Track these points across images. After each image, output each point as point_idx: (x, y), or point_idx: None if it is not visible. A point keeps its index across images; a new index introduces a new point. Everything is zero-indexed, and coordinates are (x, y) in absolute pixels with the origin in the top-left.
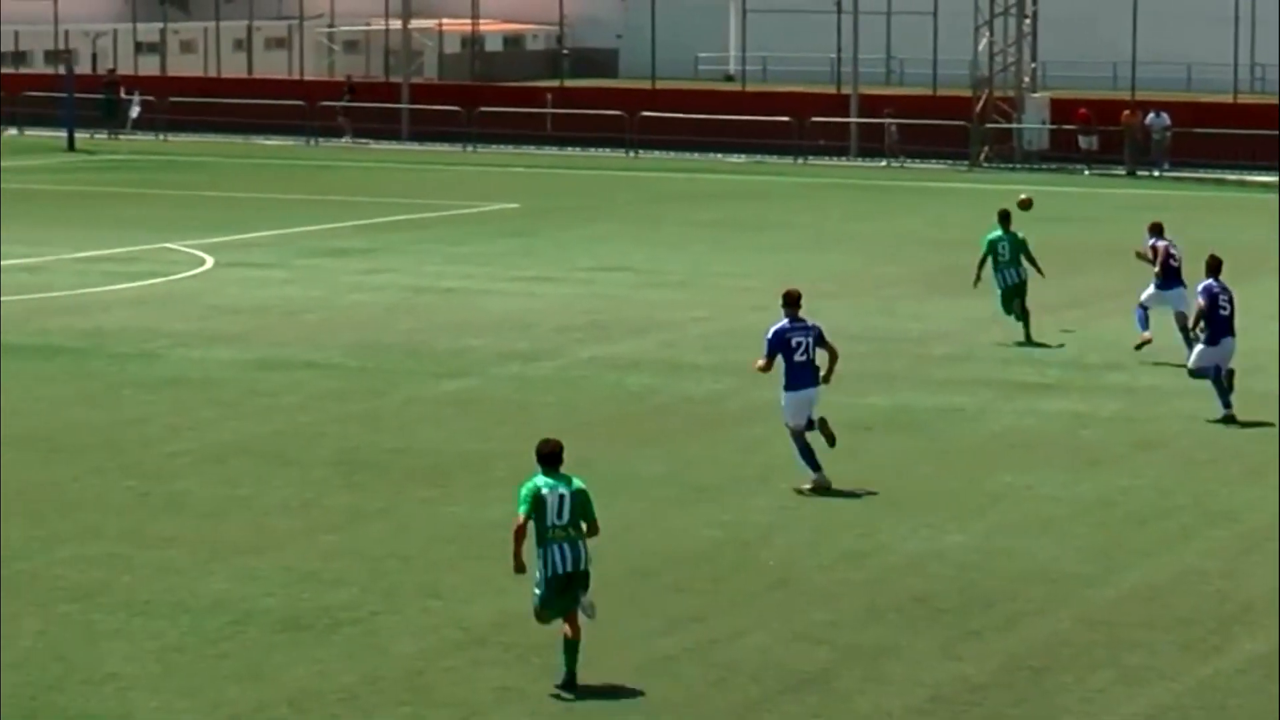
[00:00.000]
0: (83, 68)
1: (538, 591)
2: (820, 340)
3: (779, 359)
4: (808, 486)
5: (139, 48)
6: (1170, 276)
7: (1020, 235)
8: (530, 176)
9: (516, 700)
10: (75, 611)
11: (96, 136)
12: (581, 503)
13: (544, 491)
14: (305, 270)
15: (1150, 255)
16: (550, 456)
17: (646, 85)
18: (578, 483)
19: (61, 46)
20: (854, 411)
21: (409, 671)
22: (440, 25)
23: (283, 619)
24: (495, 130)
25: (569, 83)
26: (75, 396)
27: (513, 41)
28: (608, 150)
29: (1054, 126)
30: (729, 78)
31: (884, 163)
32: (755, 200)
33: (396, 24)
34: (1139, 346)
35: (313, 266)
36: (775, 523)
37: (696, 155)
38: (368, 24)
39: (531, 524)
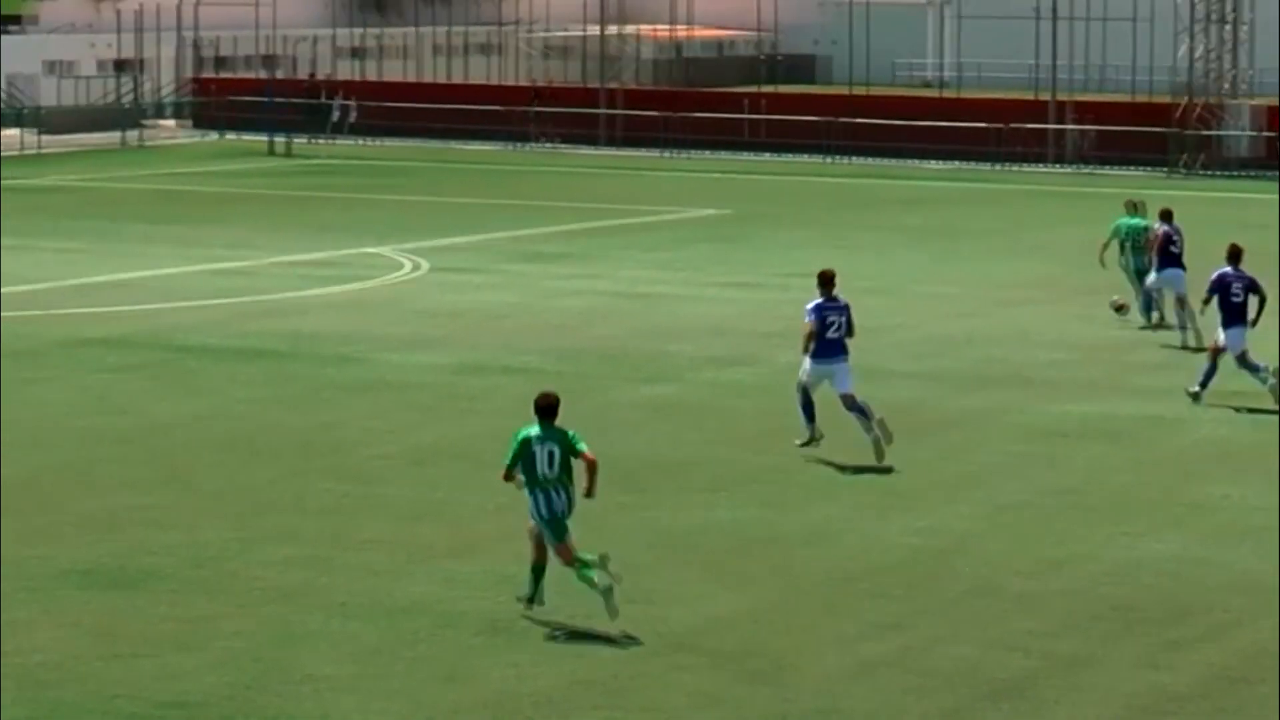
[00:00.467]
0: (288, 73)
1: (533, 519)
2: (850, 319)
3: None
4: (799, 442)
5: (343, 53)
6: (1169, 260)
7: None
8: (730, 182)
9: (713, 706)
10: (275, 613)
11: (300, 141)
12: (568, 453)
13: (534, 446)
14: (506, 275)
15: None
16: (547, 409)
17: (847, 91)
18: (566, 431)
19: (267, 51)
20: (1053, 420)
21: (605, 675)
22: (643, 31)
23: (481, 622)
24: (697, 136)
25: (770, 88)
26: (275, 399)
27: (715, 47)
28: (808, 156)
29: (1261, 134)
30: (928, 84)
31: (1080, 169)
32: (954, 206)
33: (602, 29)
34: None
35: (513, 271)
36: (973, 530)
37: (896, 161)
38: (569, 29)
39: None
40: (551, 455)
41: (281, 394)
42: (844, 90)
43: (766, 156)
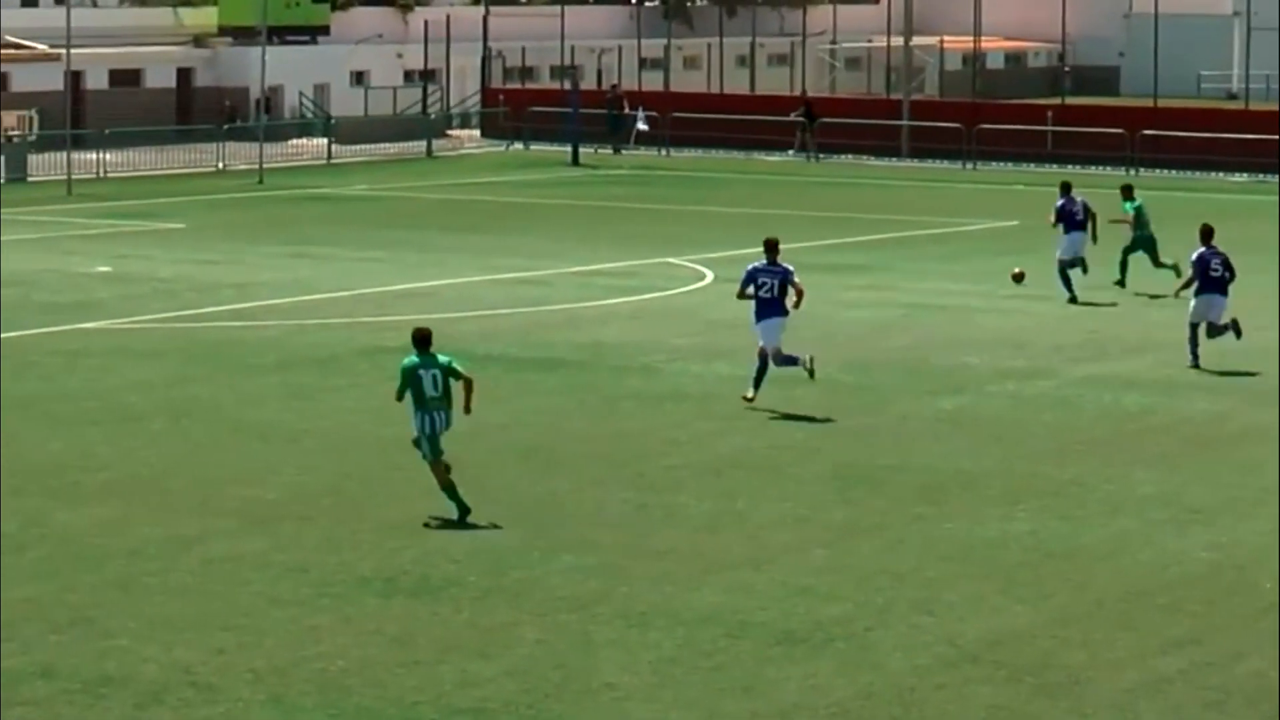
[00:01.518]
0: (588, 83)
1: (417, 440)
2: (788, 281)
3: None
4: (748, 395)
5: (643, 63)
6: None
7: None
8: (1029, 194)
9: (1008, 719)
10: (573, 621)
11: (600, 151)
12: (449, 374)
13: (420, 371)
14: (804, 286)
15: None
16: (422, 340)
17: (1148, 103)
18: (443, 359)
19: (568, 62)
20: None
21: (900, 688)
22: (942, 42)
23: (776, 632)
24: (995, 148)
25: (1070, 100)
26: (575, 408)
27: (1014, 59)
28: (1109, 168)
29: None
30: (1232, 96)
31: None
32: (1257, 220)
33: (898, 41)
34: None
35: (811, 282)
36: (1272, 545)
37: (1198, 174)
38: (870, 41)
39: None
40: (435, 379)
41: (580, 403)
42: (1147, 102)
43: (1069, 169)
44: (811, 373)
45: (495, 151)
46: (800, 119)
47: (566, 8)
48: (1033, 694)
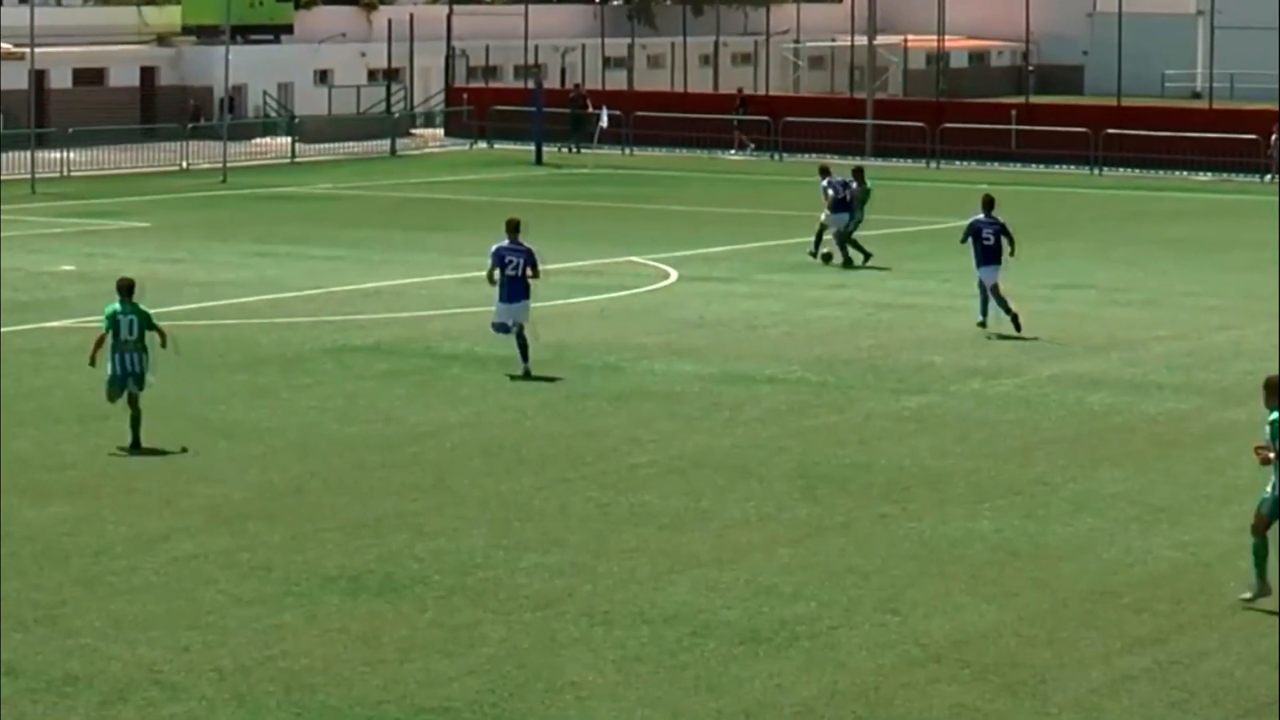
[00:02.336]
0: (552, 82)
1: (107, 381)
2: (531, 262)
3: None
4: (518, 373)
5: (607, 63)
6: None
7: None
8: (994, 193)
9: (974, 718)
10: (538, 620)
11: (563, 150)
12: (145, 322)
13: (119, 316)
14: (767, 285)
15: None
16: (126, 290)
17: (1112, 102)
18: (143, 308)
19: (531, 62)
20: None
21: (865, 687)
22: (906, 41)
23: (741, 631)
24: (959, 147)
25: (1034, 99)
26: (539, 407)
27: (978, 58)
28: (1072, 167)
29: None
30: (1196, 94)
31: None
32: (1221, 218)
33: (862, 40)
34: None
35: (775, 280)
36: (1238, 545)
37: (1162, 173)
38: (833, 40)
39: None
40: (132, 324)
41: (546, 402)
42: (1111, 101)
43: (1033, 168)
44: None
45: (459, 150)
46: (736, 116)
47: (530, 7)
48: (998, 693)
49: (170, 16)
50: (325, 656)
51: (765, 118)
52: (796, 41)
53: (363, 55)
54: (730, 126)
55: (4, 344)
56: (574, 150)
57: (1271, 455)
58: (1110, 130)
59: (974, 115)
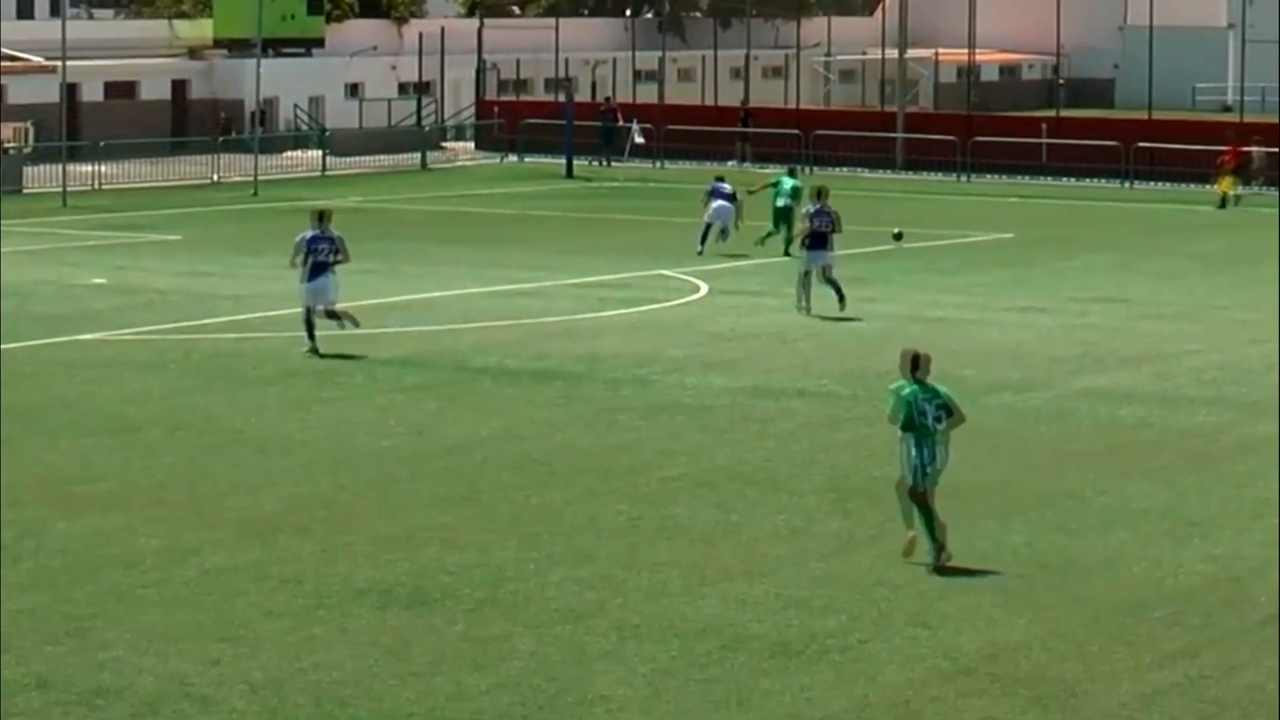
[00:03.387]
0: (582, 96)
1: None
2: (337, 249)
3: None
4: (305, 350)
5: (637, 76)
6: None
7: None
8: (1024, 206)
9: None
10: (568, 633)
11: (594, 163)
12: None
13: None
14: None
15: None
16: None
17: (1143, 115)
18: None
19: (562, 75)
20: None
21: (895, 701)
22: (936, 54)
23: (772, 645)
24: (990, 160)
25: (1065, 112)
26: (570, 420)
27: (1009, 71)
28: (1103, 181)
29: None
30: (1227, 108)
31: None
32: (1254, 231)
33: (893, 53)
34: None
35: None
36: (1269, 558)
37: (1193, 186)
38: (864, 53)
39: None
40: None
41: (576, 415)
42: (1142, 114)
43: (1064, 181)
44: (343, 320)
45: (490, 164)
46: (741, 129)
47: (561, 20)
48: (1028, 706)
49: (202, 29)
50: (356, 669)
51: (770, 130)
52: (827, 55)
53: (393, 68)
54: (738, 139)
55: (36, 356)
56: (604, 164)
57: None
58: (1141, 144)
59: (1005, 129)
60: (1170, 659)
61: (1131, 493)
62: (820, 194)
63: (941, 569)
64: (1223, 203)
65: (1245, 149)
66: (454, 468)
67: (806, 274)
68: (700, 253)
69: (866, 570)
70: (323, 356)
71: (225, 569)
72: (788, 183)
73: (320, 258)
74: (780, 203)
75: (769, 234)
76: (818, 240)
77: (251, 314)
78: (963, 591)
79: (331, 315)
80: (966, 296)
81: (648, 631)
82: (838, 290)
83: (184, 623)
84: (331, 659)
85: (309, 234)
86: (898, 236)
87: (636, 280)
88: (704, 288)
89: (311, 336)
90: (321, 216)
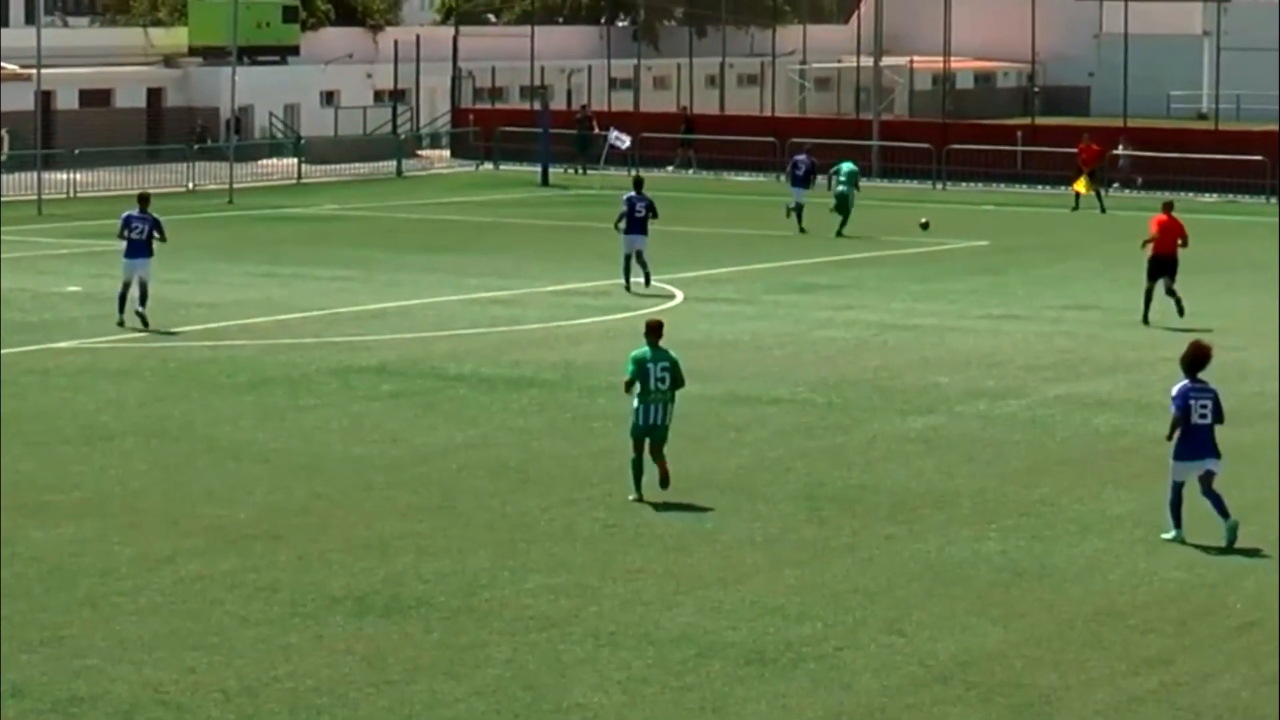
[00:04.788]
0: (558, 103)
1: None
2: (156, 227)
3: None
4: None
5: (613, 83)
6: (632, 225)
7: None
8: (1000, 214)
9: None
10: (543, 641)
11: (570, 171)
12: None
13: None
14: (773, 306)
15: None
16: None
17: (1118, 123)
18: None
19: (537, 82)
20: None
21: (871, 708)
22: (911, 62)
23: (747, 653)
24: (965, 168)
25: (1040, 120)
26: (546, 428)
27: (984, 79)
28: None
29: None
30: (1202, 116)
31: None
32: (1227, 240)
33: (868, 61)
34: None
35: (781, 302)
36: (1243, 565)
37: (1168, 194)
38: (839, 61)
39: None
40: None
41: (552, 423)
42: (1117, 122)
43: (1039, 189)
44: (143, 319)
45: (465, 171)
46: (683, 135)
47: (536, 28)
48: (1004, 714)
49: (177, 38)
50: (331, 677)
51: (746, 138)
52: (802, 63)
53: (369, 76)
54: (679, 144)
55: (11, 364)
56: (580, 171)
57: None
58: (1116, 151)
59: (980, 136)
60: (1145, 666)
61: (1106, 500)
62: (637, 184)
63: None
64: (1076, 204)
65: (1112, 151)
66: (429, 475)
67: (628, 257)
68: (628, 288)
69: (842, 578)
70: (121, 325)
71: (200, 577)
72: (845, 167)
73: (136, 235)
74: (839, 188)
75: (842, 222)
76: (637, 225)
77: (226, 322)
78: (938, 599)
79: (142, 297)
80: (942, 304)
81: (623, 639)
82: (646, 271)
83: (159, 631)
84: (307, 667)
85: (129, 213)
86: (924, 226)
87: (612, 288)
88: (679, 295)
89: (122, 310)
90: (143, 199)
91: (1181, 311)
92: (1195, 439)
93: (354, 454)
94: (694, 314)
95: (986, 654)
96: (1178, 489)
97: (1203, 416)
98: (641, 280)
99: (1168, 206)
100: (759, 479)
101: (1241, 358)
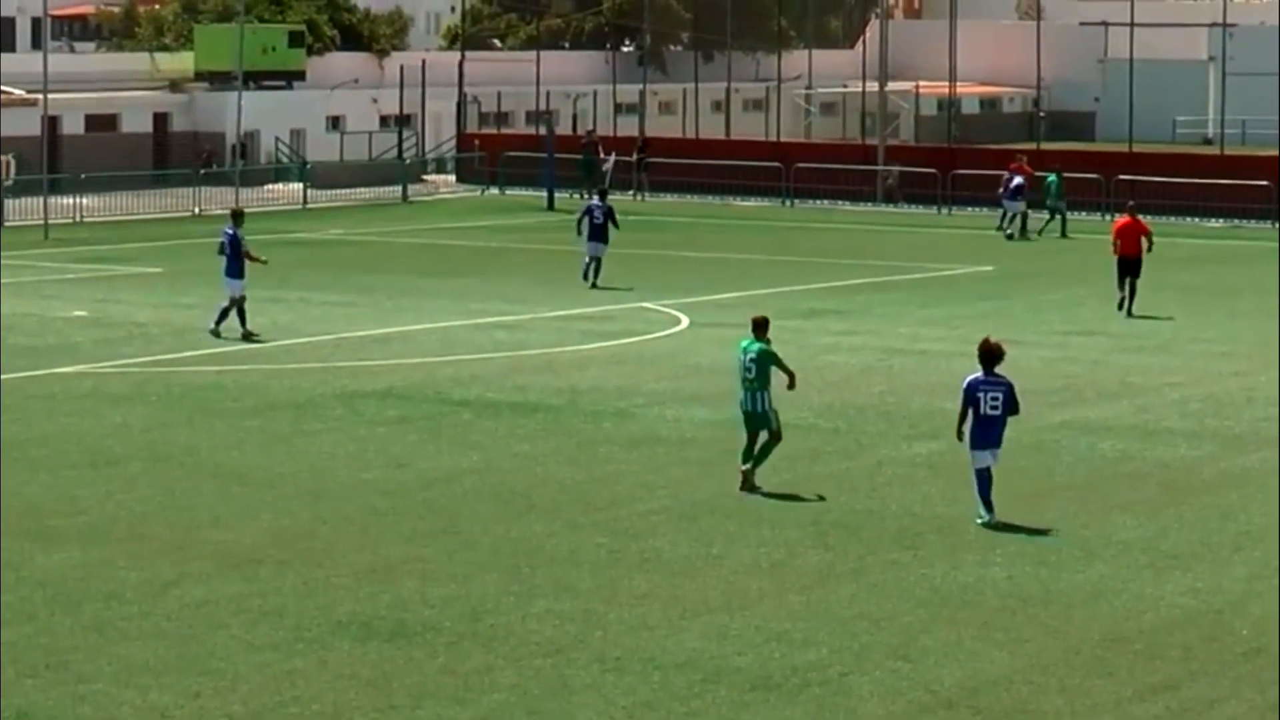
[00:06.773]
0: (563, 128)
1: None
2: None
3: None
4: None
5: (619, 108)
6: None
7: None
8: (1005, 240)
9: None
10: (548, 666)
11: (575, 196)
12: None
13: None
14: (779, 331)
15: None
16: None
17: (1124, 148)
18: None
19: (543, 107)
20: None
21: None
22: (917, 87)
23: (753, 678)
24: (971, 193)
25: (1045, 145)
26: (551, 453)
27: (989, 104)
28: (1084, 214)
29: None
30: (1208, 140)
31: None
32: (1233, 265)
33: (874, 86)
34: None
35: (787, 327)
36: (1250, 591)
37: (1173, 219)
38: (845, 86)
39: None
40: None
41: (557, 448)
42: (1122, 148)
43: (1044, 214)
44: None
45: (471, 196)
46: (638, 158)
47: (542, 53)
48: None
49: (183, 62)
50: (336, 703)
51: (751, 163)
52: (808, 88)
53: (374, 101)
54: (635, 167)
55: (17, 389)
56: (586, 196)
57: None
58: (1122, 176)
59: (985, 161)
60: (1151, 692)
61: (1112, 525)
62: (601, 194)
63: None
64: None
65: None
66: (434, 500)
67: (588, 264)
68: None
69: (847, 603)
70: None
71: (206, 602)
72: (1051, 179)
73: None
74: (1049, 203)
75: (1046, 222)
76: (595, 233)
77: (232, 347)
78: (944, 624)
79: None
80: (947, 329)
81: (629, 664)
82: (598, 274)
83: (164, 655)
84: (312, 692)
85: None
86: (891, 185)
87: (618, 313)
88: (685, 320)
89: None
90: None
91: (1130, 313)
92: (986, 428)
93: (359, 479)
94: (699, 339)
95: (992, 680)
96: (981, 475)
97: (993, 408)
98: (593, 280)
99: (1130, 210)
100: (764, 504)
101: (1247, 383)
